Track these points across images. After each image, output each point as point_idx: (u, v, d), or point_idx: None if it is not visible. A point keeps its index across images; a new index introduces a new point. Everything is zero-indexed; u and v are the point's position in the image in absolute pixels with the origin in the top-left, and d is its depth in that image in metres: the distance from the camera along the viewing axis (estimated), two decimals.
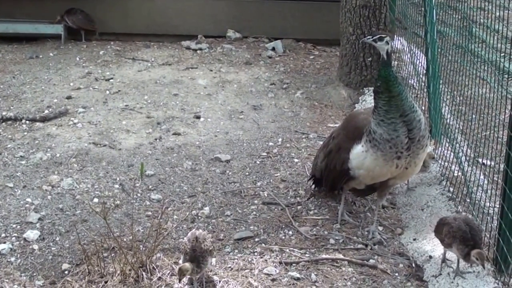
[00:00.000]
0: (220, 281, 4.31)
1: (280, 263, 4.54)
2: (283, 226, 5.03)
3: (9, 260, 4.56)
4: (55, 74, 8.09)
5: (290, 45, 9.39)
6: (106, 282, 4.27)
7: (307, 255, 4.67)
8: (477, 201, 4.81)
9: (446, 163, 5.51)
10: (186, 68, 8.43)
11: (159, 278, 4.32)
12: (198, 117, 6.98)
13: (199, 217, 5.14)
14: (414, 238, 4.89)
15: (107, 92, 7.59)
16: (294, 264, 4.54)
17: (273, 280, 4.35)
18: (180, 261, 4.23)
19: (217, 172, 5.86)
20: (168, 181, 5.68)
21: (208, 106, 7.31)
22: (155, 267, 4.39)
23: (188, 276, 4.15)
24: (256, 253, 4.67)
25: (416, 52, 7.30)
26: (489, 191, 4.80)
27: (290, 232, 4.96)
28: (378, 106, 4.42)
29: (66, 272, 4.44)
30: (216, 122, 6.92)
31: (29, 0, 9.34)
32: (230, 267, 4.48)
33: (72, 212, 5.16)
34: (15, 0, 9.34)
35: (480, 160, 5.38)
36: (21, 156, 6.02)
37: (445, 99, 6.11)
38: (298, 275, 4.40)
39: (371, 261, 4.59)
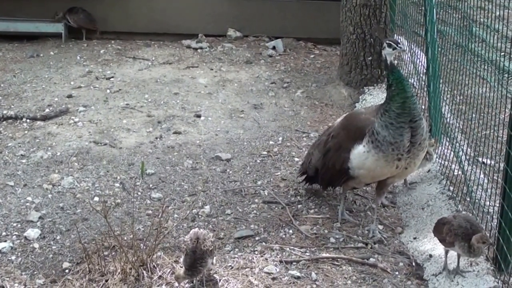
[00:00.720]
0: (220, 280, 4.32)
1: (281, 261, 4.55)
2: (284, 225, 5.04)
3: (9, 258, 4.57)
4: (56, 73, 8.10)
5: (291, 44, 9.39)
6: (106, 280, 4.27)
7: (307, 253, 4.67)
8: (477, 200, 4.82)
9: (446, 162, 5.51)
10: (187, 67, 8.43)
11: (160, 277, 4.33)
12: (199, 116, 6.98)
13: (200, 216, 5.14)
14: (415, 237, 4.90)
15: (108, 91, 7.59)
16: (294, 263, 4.55)
17: (273, 278, 4.36)
18: (181, 260, 4.24)
19: (218, 171, 5.87)
20: (169, 180, 5.69)
21: (209, 105, 7.31)
22: (155, 265, 4.40)
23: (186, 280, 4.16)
24: (256, 252, 4.67)
25: (416, 51, 7.30)
26: (489, 190, 4.81)
27: (291, 231, 4.96)
28: (390, 109, 4.44)
29: (67, 270, 4.45)
30: (217, 121, 6.92)
31: None
32: (230, 265, 4.49)
33: (73, 211, 5.17)
34: None
35: (480, 159, 5.38)
36: (21, 155, 6.02)
37: (445, 98, 6.12)
38: (298, 274, 4.41)
39: (371, 260, 4.59)
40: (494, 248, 4.28)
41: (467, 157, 5.28)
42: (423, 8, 6.49)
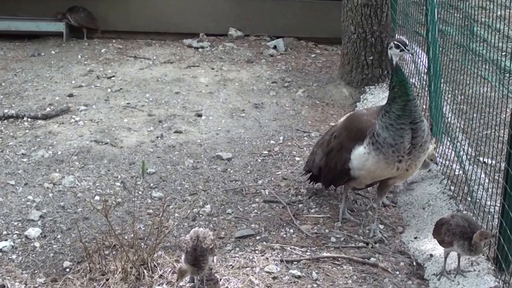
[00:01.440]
0: (221, 279, 4.32)
1: (281, 261, 4.55)
2: (284, 224, 5.04)
3: (10, 257, 4.57)
4: (57, 72, 8.10)
5: (292, 43, 9.39)
6: (107, 279, 4.27)
7: (308, 253, 4.67)
8: (478, 200, 4.82)
9: (447, 162, 5.51)
10: (188, 66, 8.43)
11: (160, 276, 4.33)
12: (200, 115, 6.98)
13: (200, 215, 5.14)
14: (415, 237, 4.89)
15: (109, 90, 7.59)
16: (295, 262, 4.55)
17: (274, 278, 4.36)
18: (181, 259, 4.24)
19: (219, 170, 5.87)
20: (170, 179, 5.69)
21: (210, 104, 7.31)
22: (156, 265, 4.40)
23: (188, 277, 4.15)
24: (257, 251, 4.67)
25: (418, 50, 7.30)
26: (490, 190, 4.80)
27: (291, 230, 4.96)
28: (391, 110, 4.43)
29: (68, 269, 4.45)
30: (218, 120, 6.92)
31: None
32: (231, 265, 4.49)
33: (74, 210, 5.17)
34: None
35: (481, 158, 5.38)
36: (22, 154, 6.03)
37: (446, 98, 6.11)
38: (299, 273, 4.41)
39: (372, 260, 4.59)
40: (495, 248, 4.28)
41: (468, 157, 5.28)
42: (424, 7, 6.48)
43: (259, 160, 6.09)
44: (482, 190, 4.85)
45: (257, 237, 4.86)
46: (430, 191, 5.36)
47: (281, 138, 6.54)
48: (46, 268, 4.47)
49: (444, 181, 5.38)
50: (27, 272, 4.42)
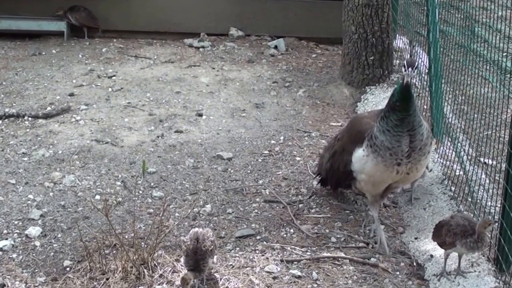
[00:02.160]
0: (221, 279, 4.32)
1: (282, 261, 4.55)
2: (285, 224, 5.04)
3: (11, 256, 4.57)
4: (58, 71, 8.10)
5: (293, 43, 9.39)
6: (107, 279, 4.27)
7: (308, 253, 4.67)
8: (478, 201, 4.82)
9: (448, 162, 5.51)
10: (189, 66, 8.43)
11: (161, 275, 4.33)
12: (200, 115, 6.98)
13: (201, 215, 5.15)
14: (416, 237, 4.89)
15: (110, 89, 7.59)
16: (295, 262, 4.55)
17: (274, 278, 4.36)
18: (182, 259, 4.25)
19: (219, 170, 5.87)
20: (170, 179, 5.69)
21: (210, 104, 7.32)
22: (156, 264, 4.40)
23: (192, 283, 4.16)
24: (257, 251, 4.67)
25: (419, 51, 7.29)
26: (490, 191, 4.80)
27: (292, 230, 4.96)
28: (389, 118, 4.36)
29: (68, 268, 4.45)
30: (218, 120, 6.92)
31: None
32: (231, 264, 4.49)
33: (74, 209, 5.17)
34: None
35: (481, 159, 5.38)
36: (23, 153, 6.03)
37: (447, 98, 6.11)
38: (299, 273, 4.41)
39: (373, 260, 4.59)
40: (496, 249, 4.28)
41: (469, 158, 5.28)
42: (425, 8, 6.48)
43: (260, 160, 6.09)
44: (482, 190, 4.85)
45: (258, 237, 4.86)
46: (431, 192, 5.36)
47: (282, 138, 6.54)
48: (46, 267, 4.48)
49: (445, 182, 5.38)
50: (27, 271, 4.42)
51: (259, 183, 5.66)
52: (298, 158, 6.12)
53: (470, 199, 4.98)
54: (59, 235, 4.83)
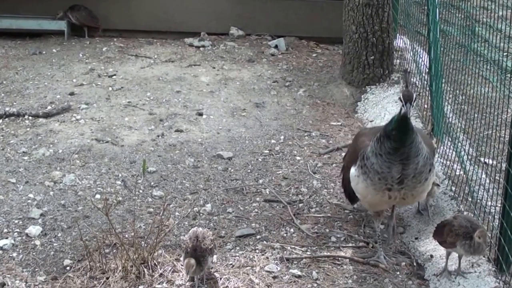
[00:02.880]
0: (221, 278, 4.32)
1: (282, 260, 4.55)
2: (285, 224, 5.04)
3: (11, 255, 4.58)
4: (58, 70, 8.10)
5: (293, 43, 9.38)
6: (107, 278, 4.28)
7: (308, 252, 4.68)
8: (478, 200, 4.81)
9: (448, 162, 5.51)
10: (189, 65, 8.43)
11: (161, 275, 4.33)
12: (201, 114, 6.98)
13: (201, 214, 5.15)
14: (416, 237, 4.89)
15: (110, 88, 7.59)
16: (295, 262, 4.55)
17: (274, 277, 4.36)
18: (181, 259, 4.25)
19: (219, 169, 5.87)
20: (170, 178, 5.69)
21: (211, 103, 7.31)
22: (156, 263, 4.41)
23: (191, 270, 4.14)
24: (257, 251, 4.67)
25: (419, 50, 7.30)
26: (490, 190, 4.80)
27: (292, 230, 4.96)
28: (383, 144, 4.12)
29: (68, 267, 4.45)
30: (219, 119, 6.92)
31: None
32: (231, 264, 4.49)
33: (74, 208, 5.17)
34: None
35: (482, 159, 5.38)
36: (23, 152, 6.03)
37: (447, 98, 6.11)
38: (299, 273, 4.41)
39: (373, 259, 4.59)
40: (496, 249, 4.28)
41: (469, 157, 5.28)
42: (425, 7, 6.48)
43: (260, 159, 6.09)
44: (483, 190, 4.85)
45: (258, 236, 4.86)
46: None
47: (282, 137, 6.54)
48: (46, 266, 4.48)
49: (445, 182, 5.38)
50: (27, 270, 4.42)
51: (259, 183, 5.66)
52: (298, 158, 6.12)
53: (470, 199, 4.98)
54: (59, 234, 4.83)
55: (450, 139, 5.74)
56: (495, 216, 4.51)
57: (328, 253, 4.66)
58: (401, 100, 4.01)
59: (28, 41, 9.20)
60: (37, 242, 4.73)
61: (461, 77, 5.65)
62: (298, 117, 7.08)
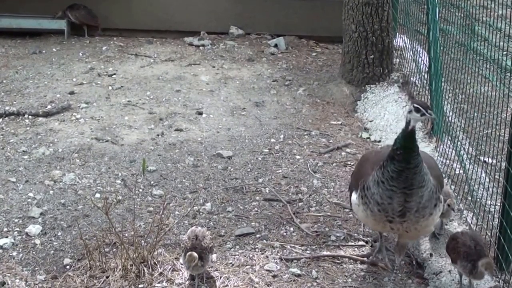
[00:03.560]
0: (221, 277, 4.32)
1: (281, 259, 4.55)
2: (284, 223, 5.04)
3: (11, 254, 4.58)
4: (58, 70, 8.11)
5: (293, 42, 9.39)
6: (107, 277, 4.28)
7: (308, 251, 4.68)
8: (478, 199, 4.82)
9: (447, 161, 5.51)
10: (189, 64, 8.44)
11: (160, 274, 4.34)
12: (200, 113, 6.98)
13: (201, 213, 5.15)
14: None
15: (110, 87, 7.60)
16: (295, 261, 4.55)
17: (274, 276, 4.36)
18: (181, 258, 4.25)
19: (219, 168, 5.87)
20: (170, 177, 5.69)
21: (210, 102, 7.32)
22: (156, 262, 4.41)
23: (193, 264, 4.12)
24: (257, 250, 4.68)
25: (419, 49, 7.30)
26: (490, 189, 4.80)
27: (291, 229, 4.97)
28: (386, 168, 3.92)
29: (68, 266, 4.46)
30: (218, 118, 6.93)
31: None
32: (231, 263, 4.50)
33: (74, 207, 5.17)
34: None
35: (481, 158, 5.38)
36: (23, 151, 6.03)
37: (447, 97, 6.11)
38: (299, 272, 4.42)
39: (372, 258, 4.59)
40: (495, 248, 4.28)
41: (469, 156, 5.28)
42: (425, 6, 6.48)
43: (260, 158, 6.09)
44: (482, 189, 4.85)
45: (257, 235, 4.86)
46: None
47: (282, 136, 6.54)
48: (46, 265, 4.48)
49: (445, 180, 5.38)
50: (27, 269, 4.43)
51: (259, 182, 5.66)
52: (298, 157, 6.12)
53: (470, 198, 4.98)
54: (59, 233, 4.83)
55: (450, 138, 5.74)
56: (495, 215, 4.52)
57: (328, 252, 4.66)
58: (418, 110, 3.82)
59: (28, 40, 9.21)
60: (37, 241, 4.73)
61: (461, 76, 5.65)
62: (297, 116, 7.09)
